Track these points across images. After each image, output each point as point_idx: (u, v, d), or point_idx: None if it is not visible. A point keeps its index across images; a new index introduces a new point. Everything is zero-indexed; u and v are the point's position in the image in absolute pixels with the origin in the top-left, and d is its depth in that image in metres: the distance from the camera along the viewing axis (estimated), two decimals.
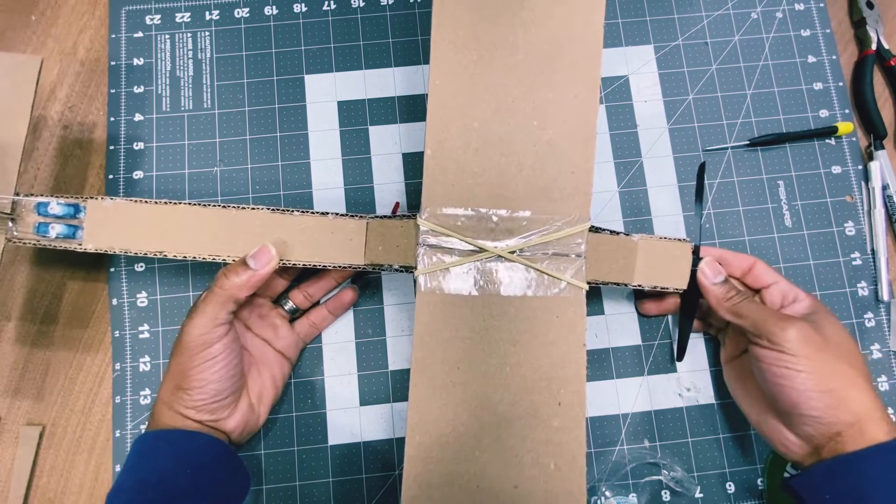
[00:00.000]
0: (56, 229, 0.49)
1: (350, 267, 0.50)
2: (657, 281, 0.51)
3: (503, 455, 0.46)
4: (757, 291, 0.54)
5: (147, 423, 0.50)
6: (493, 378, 0.47)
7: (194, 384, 0.46)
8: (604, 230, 0.50)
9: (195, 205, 0.51)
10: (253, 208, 0.50)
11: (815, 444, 0.45)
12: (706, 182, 0.60)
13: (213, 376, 0.47)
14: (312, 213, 0.51)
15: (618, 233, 0.51)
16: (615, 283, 0.50)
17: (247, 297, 0.48)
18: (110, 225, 0.50)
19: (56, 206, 0.49)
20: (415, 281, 0.49)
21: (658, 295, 0.56)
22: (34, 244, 0.50)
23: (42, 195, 0.50)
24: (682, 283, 0.52)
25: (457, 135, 0.49)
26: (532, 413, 0.46)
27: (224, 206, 0.50)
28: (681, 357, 0.55)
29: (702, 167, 0.55)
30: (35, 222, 0.50)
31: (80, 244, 0.50)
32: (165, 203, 0.50)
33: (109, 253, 0.50)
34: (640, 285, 0.51)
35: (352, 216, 0.51)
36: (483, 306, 0.47)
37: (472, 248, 0.48)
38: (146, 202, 0.50)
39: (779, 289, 0.52)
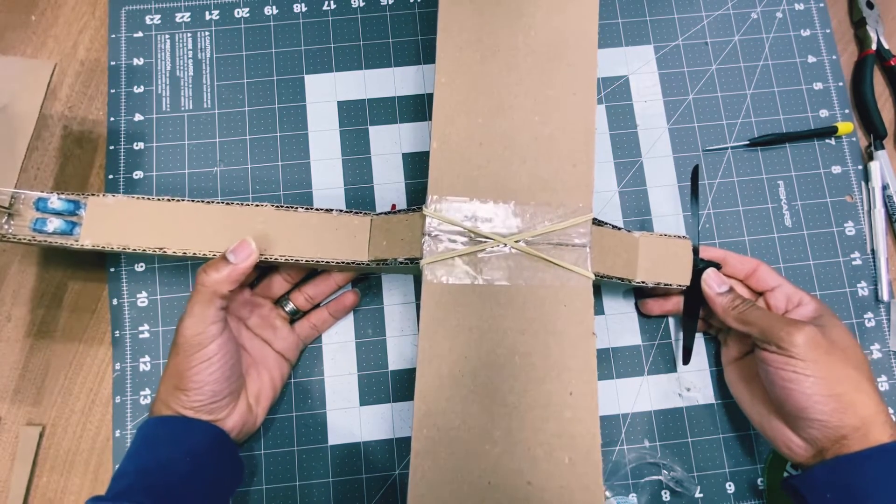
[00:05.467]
0: (53, 224, 0.49)
1: (354, 263, 0.50)
2: (660, 277, 0.52)
3: (515, 449, 0.45)
4: (760, 294, 0.54)
5: (148, 414, 0.50)
6: (503, 368, 0.46)
7: (191, 385, 0.46)
8: (606, 224, 0.50)
9: (198, 202, 0.51)
10: (256, 205, 0.50)
11: (820, 447, 0.45)
12: (706, 182, 0.60)
13: (210, 377, 0.46)
14: (316, 210, 0.51)
15: (619, 228, 0.51)
16: (619, 279, 0.50)
17: (232, 293, 0.47)
18: (110, 221, 0.50)
19: (56, 200, 0.49)
20: (419, 282, 0.49)
21: (661, 294, 0.56)
22: (29, 241, 0.49)
23: (42, 190, 0.50)
24: (685, 280, 0.52)
25: (462, 129, 0.49)
26: (543, 404, 0.46)
27: (227, 203, 0.50)
28: (686, 360, 0.55)
29: (695, 170, 0.55)
30: (33, 218, 0.49)
31: (77, 240, 0.50)
32: (168, 200, 0.50)
33: (107, 250, 0.50)
34: (643, 282, 0.51)
35: (356, 213, 0.51)
36: (490, 296, 0.47)
37: (477, 238, 0.48)
38: (148, 199, 0.50)
39: (783, 292, 0.52)
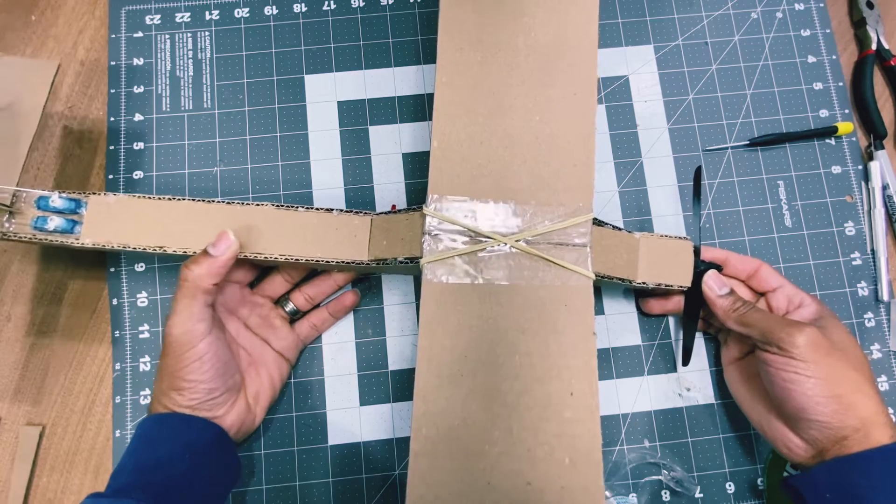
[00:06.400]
0: (54, 222, 0.49)
1: (354, 262, 0.50)
2: (661, 278, 0.52)
3: (515, 449, 0.45)
4: (762, 295, 0.54)
5: (147, 413, 0.50)
6: (502, 367, 0.46)
7: (185, 385, 0.46)
8: (606, 224, 0.50)
9: (198, 201, 0.51)
10: (257, 204, 0.50)
11: (820, 448, 0.45)
12: (706, 182, 0.60)
13: (203, 376, 0.46)
14: (316, 209, 0.51)
15: (620, 229, 0.51)
16: (620, 279, 0.50)
17: (216, 287, 0.47)
18: (111, 220, 0.50)
19: (57, 199, 0.49)
20: (419, 282, 0.49)
21: (662, 294, 0.56)
22: (30, 239, 0.49)
23: (43, 189, 0.50)
24: (686, 281, 0.52)
25: (462, 128, 0.50)
26: (543, 404, 0.46)
27: (228, 203, 0.51)
28: (686, 361, 0.55)
29: (698, 171, 0.55)
30: (34, 216, 0.49)
31: (77, 239, 0.50)
32: (169, 199, 0.50)
33: (107, 248, 0.50)
34: (644, 283, 0.51)
35: (356, 212, 0.51)
36: (490, 295, 0.47)
37: (477, 237, 0.48)
38: (149, 198, 0.50)
39: (784, 293, 0.53)
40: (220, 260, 0.47)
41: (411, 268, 0.50)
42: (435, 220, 0.48)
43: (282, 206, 0.51)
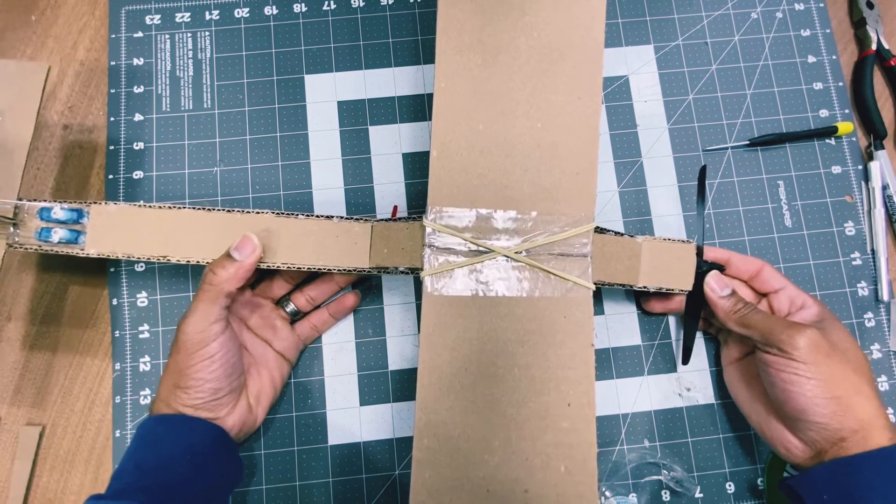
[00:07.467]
0: (58, 234, 0.49)
1: (355, 270, 0.50)
2: (662, 282, 0.51)
3: (513, 458, 0.46)
4: (764, 296, 0.54)
5: (148, 412, 0.50)
6: (502, 379, 0.47)
7: (192, 383, 0.46)
8: (608, 231, 0.50)
9: (199, 209, 0.51)
10: (257, 212, 0.50)
11: (819, 449, 0.45)
12: (706, 182, 0.60)
13: (211, 375, 0.47)
14: (317, 216, 0.51)
15: (622, 234, 0.51)
16: (620, 285, 0.50)
17: (237, 292, 0.48)
18: (113, 230, 0.50)
19: (59, 210, 0.49)
20: (419, 282, 0.49)
21: (664, 294, 0.56)
22: (36, 249, 0.50)
23: (44, 200, 0.50)
24: (687, 285, 0.52)
25: (462, 136, 0.49)
26: (542, 415, 0.46)
27: (228, 211, 0.50)
28: (686, 360, 0.55)
29: (702, 171, 0.55)
30: (37, 227, 0.50)
31: (83, 249, 0.50)
32: (169, 207, 0.50)
33: (112, 258, 0.50)
34: (645, 287, 0.51)
35: (356, 219, 0.51)
36: (490, 307, 0.47)
37: (478, 248, 0.48)
38: (150, 207, 0.50)
39: (787, 294, 0.53)
40: (246, 264, 0.47)
41: (412, 275, 0.50)
42: (435, 231, 0.48)
43: (281, 213, 0.51)
